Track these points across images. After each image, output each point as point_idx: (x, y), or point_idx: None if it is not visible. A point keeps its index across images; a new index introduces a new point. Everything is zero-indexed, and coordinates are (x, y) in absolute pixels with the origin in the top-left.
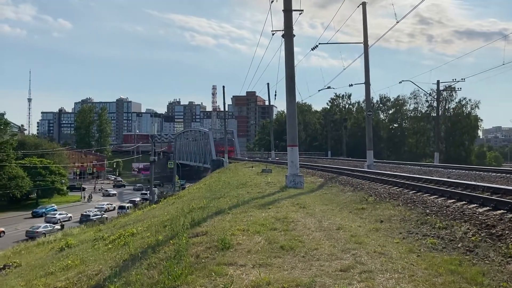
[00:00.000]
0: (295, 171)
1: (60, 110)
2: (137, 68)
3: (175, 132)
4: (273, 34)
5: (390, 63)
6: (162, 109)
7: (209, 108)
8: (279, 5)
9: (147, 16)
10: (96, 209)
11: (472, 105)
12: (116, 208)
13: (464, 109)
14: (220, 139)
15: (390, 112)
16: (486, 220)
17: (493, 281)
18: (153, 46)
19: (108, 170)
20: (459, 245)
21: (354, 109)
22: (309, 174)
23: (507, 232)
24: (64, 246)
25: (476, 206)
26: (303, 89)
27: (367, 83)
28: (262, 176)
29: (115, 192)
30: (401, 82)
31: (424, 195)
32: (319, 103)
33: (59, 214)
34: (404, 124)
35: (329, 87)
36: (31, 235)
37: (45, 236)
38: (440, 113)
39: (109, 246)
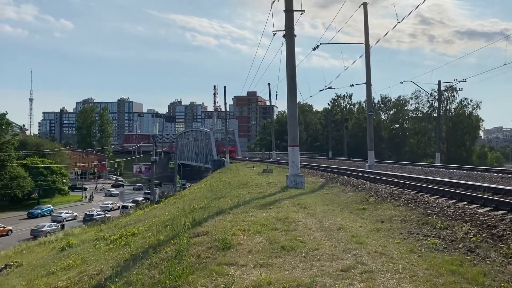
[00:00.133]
0: (296, 171)
1: (62, 110)
2: (138, 68)
3: (176, 132)
4: (274, 34)
5: (391, 63)
6: (163, 109)
7: (210, 108)
8: (280, 5)
9: (148, 16)
10: (100, 209)
11: (474, 105)
12: (120, 207)
13: (465, 109)
14: (222, 139)
15: (391, 112)
16: (487, 221)
17: (494, 281)
18: (155, 46)
19: (109, 170)
20: (460, 246)
21: (355, 109)
22: (310, 174)
23: (508, 232)
24: (65, 246)
25: (477, 207)
26: (304, 89)
27: (368, 83)
28: (263, 176)
29: (117, 192)
30: (402, 82)
31: (425, 196)
32: (320, 103)
33: (65, 213)
34: (405, 124)
35: (330, 87)
36: (35, 234)
37: (50, 235)
38: (441, 113)
39: (110, 246)
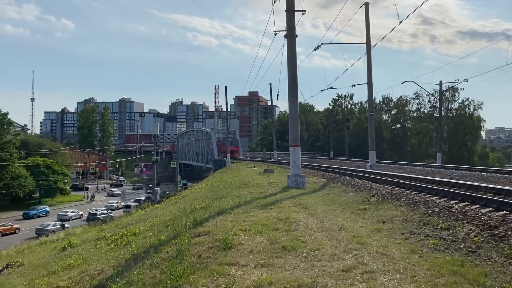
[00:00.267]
0: (297, 171)
1: (63, 110)
2: (139, 68)
3: (177, 132)
4: (275, 34)
5: (392, 63)
6: (164, 109)
7: (211, 108)
8: (282, 5)
9: (150, 16)
10: (104, 208)
11: (475, 105)
12: (123, 207)
13: (467, 109)
14: (224, 139)
15: (393, 112)
16: (489, 221)
17: (495, 282)
18: (156, 46)
19: (110, 170)
20: (462, 246)
21: (357, 109)
22: (311, 174)
23: (509, 233)
24: (66, 246)
25: (478, 207)
26: (306, 89)
27: (369, 84)
28: (264, 176)
29: (119, 192)
30: (403, 82)
31: (427, 196)
32: (321, 103)
33: (71, 212)
34: (406, 124)
35: (331, 88)
36: (40, 233)
37: (55, 234)
38: (442, 113)
39: (112, 245)
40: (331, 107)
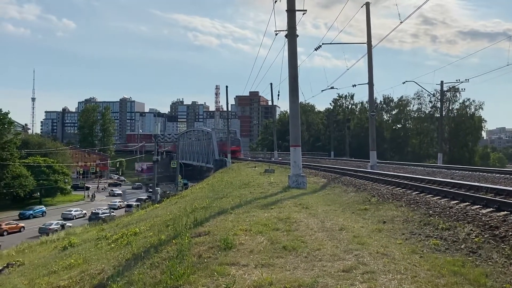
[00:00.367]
0: (298, 171)
1: (64, 110)
2: (140, 68)
3: (178, 132)
4: (276, 34)
5: (393, 63)
6: (165, 109)
7: (212, 108)
8: (283, 5)
9: (151, 16)
10: (106, 207)
11: (476, 106)
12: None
13: (468, 110)
14: (226, 139)
15: (394, 112)
16: (490, 222)
17: (496, 282)
18: (157, 46)
19: (111, 170)
20: (462, 246)
21: (357, 109)
22: (312, 174)
23: (510, 233)
24: (67, 245)
25: (479, 207)
26: (306, 89)
27: (370, 84)
28: (265, 176)
29: (120, 192)
30: (404, 82)
31: (427, 196)
32: (322, 104)
33: (75, 211)
34: (407, 124)
35: (332, 88)
36: (44, 232)
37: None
38: (443, 113)
39: (112, 245)
40: (332, 107)
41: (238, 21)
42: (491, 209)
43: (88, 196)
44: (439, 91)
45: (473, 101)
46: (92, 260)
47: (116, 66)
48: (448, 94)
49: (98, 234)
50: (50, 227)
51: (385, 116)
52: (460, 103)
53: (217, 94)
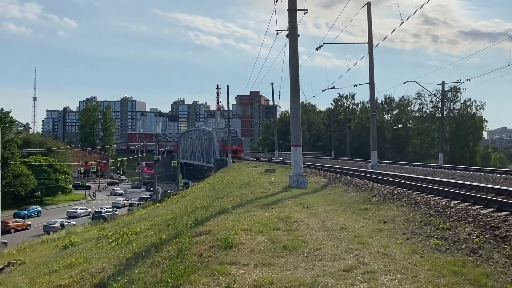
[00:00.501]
0: (298, 171)
1: (65, 109)
2: (141, 67)
3: (179, 132)
4: (277, 34)
5: (394, 63)
6: (166, 109)
7: (213, 107)
8: (284, 4)
9: (152, 16)
10: (109, 206)
11: (477, 106)
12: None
13: (469, 110)
14: (227, 139)
15: (395, 112)
16: (490, 222)
17: (497, 282)
18: (158, 46)
19: (112, 169)
20: (463, 247)
21: (358, 109)
22: (312, 174)
23: (511, 233)
24: (67, 244)
25: (480, 208)
26: (307, 89)
27: (371, 83)
28: (266, 176)
29: (122, 191)
30: (405, 82)
31: (428, 196)
32: (323, 103)
33: (80, 209)
34: (408, 124)
35: (333, 87)
36: (48, 230)
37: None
38: (444, 114)
39: (113, 244)
40: (332, 107)
41: (239, 21)
42: (492, 209)
43: (89, 195)
44: (440, 91)
45: (474, 101)
46: (93, 259)
47: (117, 65)
48: (449, 94)
49: (99, 233)
50: (54, 225)
51: (386, 116)
52: (461, 103)
53: (218, 93)
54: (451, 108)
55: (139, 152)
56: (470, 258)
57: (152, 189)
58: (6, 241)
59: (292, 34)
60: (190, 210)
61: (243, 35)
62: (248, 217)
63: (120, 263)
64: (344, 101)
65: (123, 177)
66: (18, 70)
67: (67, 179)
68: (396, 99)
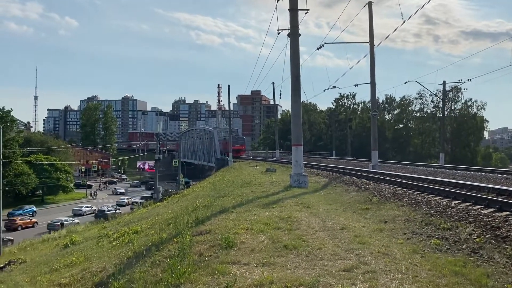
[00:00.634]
0: (299, 170)
1: (66, 108)
2: (142, 66)
3: (180, 131)
4: (278, 33)
5: (396, 63)
6: (167, 108)
7: (214, 107)
8: (285, 4)
9: (153, 15)
10: (112, 205)
11: (478, 106)
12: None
13: (470, 110)
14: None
15: (396, 112)
16: (491, 222)
17: (497, 282)
18: (159, 45)
19: (113, 168)
20: (464, 247)
21: (359, 109)
22: (313, 173)
23: None
24: (68, 243)
25: (481, 208)
26: (308, 88)
27: (372, 83)
28: (267, 175)
29: (123, 190)
30: (406, 82)
31: (429, 196)
32: (324, 103)
33: (85, 207)
34: (409, 124)
35: (334, 87)
36: (52, 228)
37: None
38: (446, 114)
39: (113, 243)
40: (333, 107)
41: (240, 20)
42: (493, 209)
43: (90, 194)
44: (441, 91)
45: (475, 101)
46: (93, 258)
47: (118, 64)
48: (450, 94)
49: (99, 232)
50: (58, 223)
51: (387, 116)
52: (462, 103)
53: (219, 93)
54: (452, 108)
55: (140, 151)
56: (471, 258)
57: (153, 188)
58: (12, 238)
59: (293, 34)
60: (191, 209)
61: (244, 34)
62: (249, 216)
63: (121, 262)
64: (345, 100)
65: (124, 176)
66: (19, 69)
67: (68, 178)
68: (397, 99)
